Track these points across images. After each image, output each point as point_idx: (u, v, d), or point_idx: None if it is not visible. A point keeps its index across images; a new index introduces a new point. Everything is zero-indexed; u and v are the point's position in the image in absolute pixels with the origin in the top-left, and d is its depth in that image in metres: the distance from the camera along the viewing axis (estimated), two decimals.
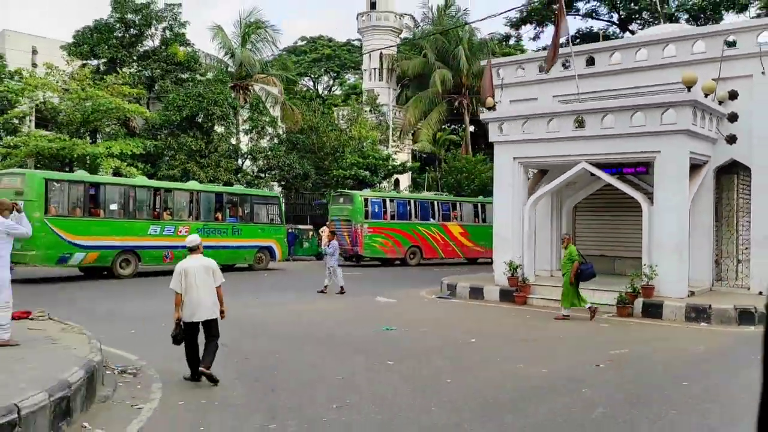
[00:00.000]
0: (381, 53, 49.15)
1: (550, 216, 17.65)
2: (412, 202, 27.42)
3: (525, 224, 15.84)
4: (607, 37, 30.71)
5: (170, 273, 8.40)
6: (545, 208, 17.45)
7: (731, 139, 15.26)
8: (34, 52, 36.91)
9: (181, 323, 7.94)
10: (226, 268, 22.49)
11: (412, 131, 45.77)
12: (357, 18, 50.73)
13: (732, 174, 16.15)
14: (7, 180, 17.13)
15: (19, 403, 5.37)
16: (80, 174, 19.16)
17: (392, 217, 26.30)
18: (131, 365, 8.55)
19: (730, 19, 31.51)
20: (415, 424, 6.47)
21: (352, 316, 13.57)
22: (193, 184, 21.93)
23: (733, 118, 15.22)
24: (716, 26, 17.66)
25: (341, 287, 16.79)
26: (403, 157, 44.63)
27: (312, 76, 64.63)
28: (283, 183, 34.98)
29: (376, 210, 25.92)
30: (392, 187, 40.19)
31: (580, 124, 14.87)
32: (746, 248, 16.20)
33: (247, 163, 35.48)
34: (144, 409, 6.80)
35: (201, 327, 8.06)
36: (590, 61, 17.21)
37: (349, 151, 38.21)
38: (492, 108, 16.50)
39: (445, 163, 43.13)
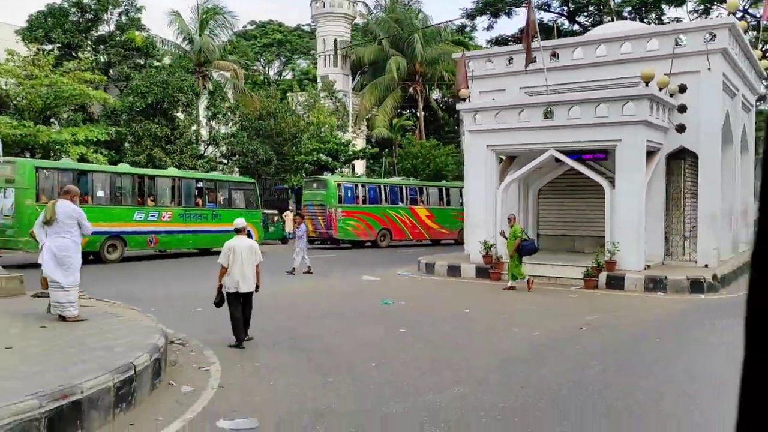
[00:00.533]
0: (335, 40, 49.87)
1: (518, 199, 19.10)
2: (382, 186, 28.63)
3: (498, 206, 17.22)
4: (559, 29, 32.46)
5: (154, 257, 9.38)
6: (513, 192, 18.87)
7: (681, 128, 17.01)
8: None
9: (223, 292, 9.06)
10: (204, 252, 23.31)
11: (368, 117, 46.78)
12: (310, 4, 51.19)
13: (680, 160, 17.94)
14: None
15: (134, 362, 6.32)
16: (66, 162, 19.48)
17: (364, 202, 27.47)
18: (176, 337, 9.45)
19: (670, 12, 33.67)
20: (448, 377, 7.68)
21: (349, 293, 14.68)
22: (174, 171, 22.49)
23: (682, 109, 16.96)
24: (668, 26, 19.37)
25: (308, 267, 17.81)
26: (359, 142, 45.62)
27: (263, 61, 64.63)
28: (245, 168, 35.50)
29: (349, 195, 27.03)
30: (350, 173, 41.21)
31: (549, 114, 16.29)
32: (693, 226, 18.10)
33: (210, 149, 35.85)
34: (211, 370, 7.78)
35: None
36: (554, 56, 18.65)
37: (307, 137, 39.00)
38: (466, 99, 17.77)
39: (401, 148, 44.41)
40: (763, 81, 23.57)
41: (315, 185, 27.85)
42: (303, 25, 67.87)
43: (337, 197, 26.45)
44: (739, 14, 30.69)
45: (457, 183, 34.52)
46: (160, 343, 7.20)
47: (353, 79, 49.30)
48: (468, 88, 17.97)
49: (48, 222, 7.79)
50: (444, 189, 31.04)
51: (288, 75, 64.79)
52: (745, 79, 19.70)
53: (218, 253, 9.35)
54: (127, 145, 32.41)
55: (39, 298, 9.98)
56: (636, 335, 10.35)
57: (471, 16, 34.43)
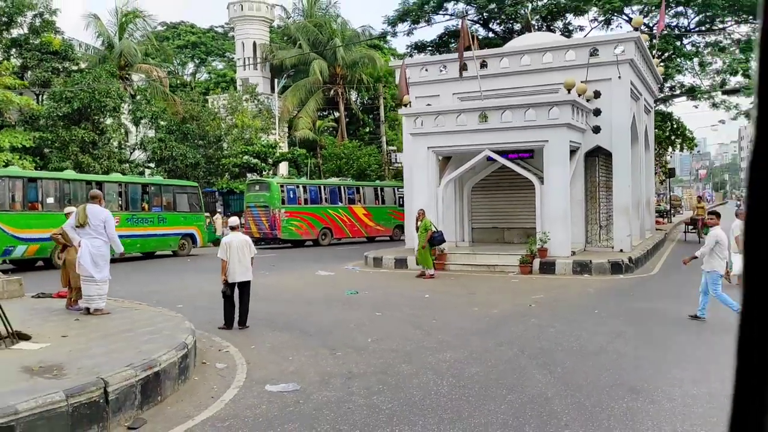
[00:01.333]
0: (254, 43, 50.31)
1: (454, 196, 20.78)
2: (322, 187, 29.74)
3: (439, 203, 18.84)
4: (474, 35, 34.69)
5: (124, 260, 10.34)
6: (450, 189, 20.51)
7: (596, 130, 19.21)
8: None
9: (227, 283, 10.16)
10: (149, 255, 23.63)
11: (289, 119, 47.55)
12: (228, 7, 51.35)
13: (595, 157, 20.19)
14: None
15: (185, 341, 7.34)
16: (15, 170, 19.44)
17: (305, 202, 28.47)
18: None
19: (574, 21, 36.51)
20: (437, 344, 9.09)
21: (312, 285, 15.82)
22: (120, 177, 22.71)
23: (597, 113, 19.16)
24: (584, 39, 21.65)
25: None
26: (282, 144, 46.33)
27: (176, 62, 63.80)
28: (173, 172, 35.59)
29: (291, 196, 27.96)
30: (275, 174, 41.91)
31: (484, 118, 18.04)
32: (607, 216, 20.41)
33: (136, 153, 35.68)
34: (230, 351, 8.83)
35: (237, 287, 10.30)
36: (484, 65, 20.45)
37: (232, 140, 39.49)
38: (408, 105, 19.27)
39: (324, 149, 45.52)
40: (659, 85, 26.49)
41: (258, 187, 28.58)
42: (216, 27, 67.52)
43: (280, 198, 27.33)
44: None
45: (390, 183, 36.13)
46: (192, 327, 8.20)
47: (275, 82, 49.86)
48: (408, 94, 19.46)
49: (81, 225, 8.57)
50: (379, 189, 32.53)
51: (203, 77, 64.29)
52: (647, 85, 22.30)
53: (163, 256, 10.30)
54: (47, 151, 31.82)
55: (40, 299, 10.60)
56: (576, 307, 12.16)
57: (392, 23, 35.97)
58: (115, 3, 38.28)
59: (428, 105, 20.57)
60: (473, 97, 19.85)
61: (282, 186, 28.10)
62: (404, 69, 19.92)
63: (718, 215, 10.75)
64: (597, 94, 19.10)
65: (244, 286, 10.37)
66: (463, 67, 19.44)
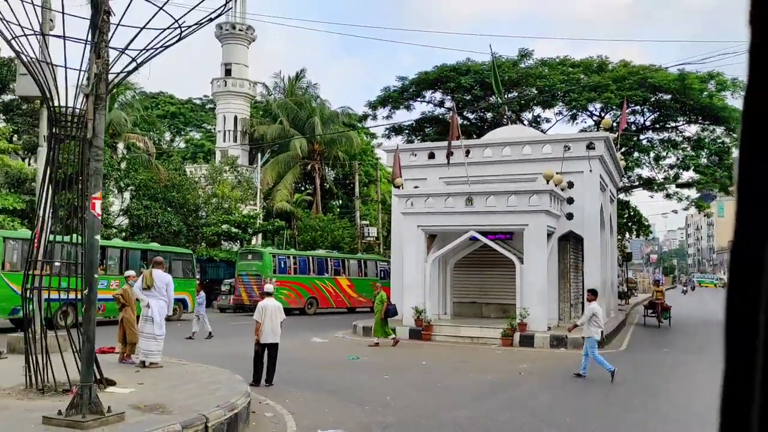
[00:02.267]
0: (235, 117, 52.26)
1: (438, 271, 22.32)
2: (310, 258, 31.09)
3: (427, 277, 20.34)
4: (447, 121, 37.33)
5: (103, 324, 11.35)
6: (434, 265, 22.06)
7: (569, 216, 21.20)
8: None
9: (259, 343, 11.33)
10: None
11: (267, 190, 49.05)
12: (211, 82, 53.42)
13: (566, 241, 22.11)
14: None
15: (247, 390, 8.52)
16: (26, 232, 20.24)
17: (294, 272, 29.64)
18: None
19: (540, 113, 39.43)
20: (449, 402, 10.39)
21: (312, 351, 16.94)
22: (121, 242, 23.62)
23: (570, 201, 21.20)
24: (559, 135, 23.94)
25: (209, 332, 19.47)
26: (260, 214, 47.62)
27: (155, 132, 65.22)
28: (157, 239, 36.39)
29: (282, 266, 29.15)
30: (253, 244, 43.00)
31: (470, 202, 19.85)
32: (576, 295, 22.18)
33: (120, 219, 36.47)
34: (269, 402, 9.95)
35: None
36: (467, 153, 22.46)
37: (212, 210, 40.71)
38: (400, 186, 21.04)
39: (300, 221, 46.96)
40: (622, 177, 29.02)
41: (250, 256, 29.71)
42: (194, 99, 69.50)
43: (271, 267, 28.46)
44: (596, 119, 37.13)
45: (373, 256, 37.62)
46: (242, 378, 9.38)
47: (255, 155, 51.57)
48: (401, 177, 21.25)
49: (147, 287, 9.76)
50: (362, 261, 34.03)
51: (180, 146, 65.67)
52: (612, 177, 24.64)
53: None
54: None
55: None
56: (561, 376, 13.61)
57: (374, 106, 38.36)
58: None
59: (416, 187, 22.36)
60: (458, 182, 21.72)
61: (274, 256, 29.33)
62: (398, 154, 21.77)
63: (594, 293, 14.19)
64: (570, 185, 21.18)
65: (273, 348, 11.53)
66: (450, 155, 21.37)
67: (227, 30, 52.21)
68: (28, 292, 8.21)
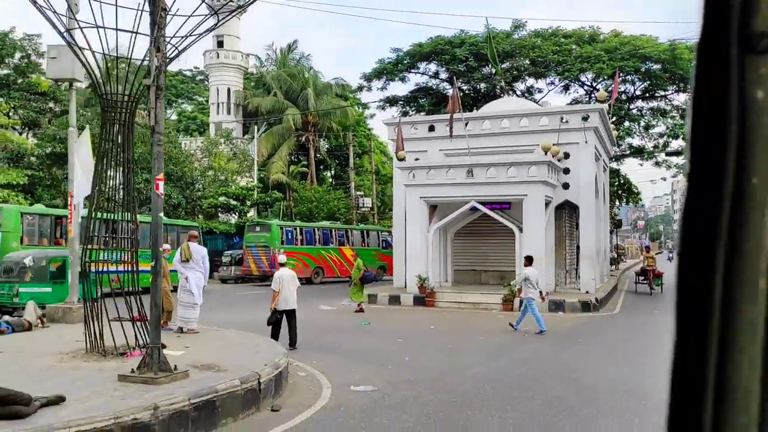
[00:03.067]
0: (228, 89, 52.42)
1: (439, 240, 23.15)
2: (315, 230, 32.05)
3: (429, 246, 21.16)
4: (443, 93, 37.86)
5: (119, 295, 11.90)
6: (435, 234, 22.89)
7: (566, 186, 22.02)
8: None
9: (276, 310, 12.10)
10: (147, 290, 24.99)
11: (263, 162, 49.52)
12: (204, 54, 53.39)
13: (562, 210, 22.97)
14: None
15: (284, 351, 9.32)
16: (42, 207, 20.82)
17: (301, 243, 30.65)
18: None
19: (532, 82, 40.04)
20: (466, 361, 11.27)
21: (324, 317, 17.80)
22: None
23: (566, 171, 21.99)
24: (555, 107, 24.64)
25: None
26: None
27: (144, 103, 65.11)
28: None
29: (289, 237, 30.08)
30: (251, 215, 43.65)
31: (470, 174, 20.59)
32: (571, 262, 23.13)
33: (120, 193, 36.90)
34: (299, 364, 10.77)
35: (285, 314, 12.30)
36: (467, 125, 23.12)
37: (209, 182, 41.23)
38: (403, 159, 21.72)
39: (296, 192, 47.58)
40: (614, 147, 29.83)
41: (258, 228, 30.53)
42: (185, 71, 69.25)
43: (279, 239, 29.29)
44: (588, 89, 37.83)
45: (375, 227, 38.59)
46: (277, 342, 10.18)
47: (249, 128, 51.86)
48: (404, 150, 21.91)
49: (186, 260, 10.48)
50: (365, 232, 35.09)
51: (172, 117, 65.67)
52: (605, 147, 25.43)
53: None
54: (38, 189, 32.89)
55: (117, 322, 12.28)
56: (562, 337, 14.55)
57: (369, 78, 38.80)
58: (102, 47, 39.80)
59: (417, 159, 23.02)
60: (458, 153, 22.43)
61: (281, 227, 30.23)
62: (400, 128, 22.39)
63: (530, 259, 16.15)
64: (566, 155, 21.96)
65: (292, 313, 12.34)
66: (451, 128, 22.03)
67: (218, 1, 52.10)
68: (87, 265, 8.87)
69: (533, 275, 15.69)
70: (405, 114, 41.57)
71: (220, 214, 43.10)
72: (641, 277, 26.25)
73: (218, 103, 52.66)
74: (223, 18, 8.81)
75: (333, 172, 58.67)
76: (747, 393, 0.57)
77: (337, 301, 22.40)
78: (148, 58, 7.46)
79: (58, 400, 6.01)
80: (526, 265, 16.02)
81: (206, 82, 63.63)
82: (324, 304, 21.12)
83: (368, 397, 8.62)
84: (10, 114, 36.30)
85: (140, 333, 8.66)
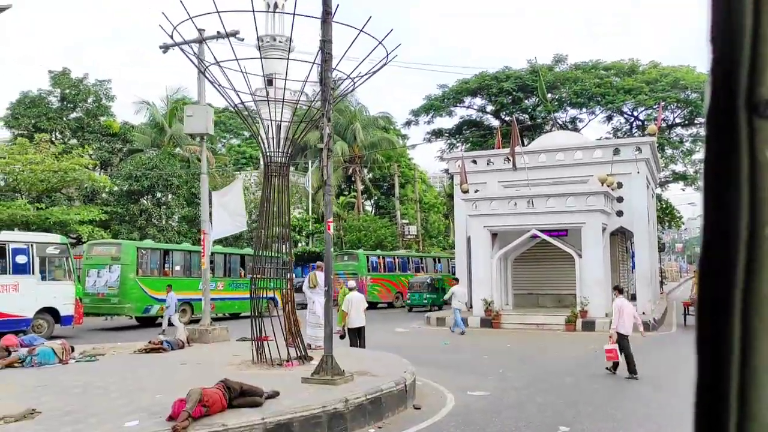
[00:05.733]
0: (279, 124, 54.94)
1: (499, 266, 24.73)
2: (396, 258, 34.77)
3: (494, 272, 22.78)
4: (487, 126, 39.76)
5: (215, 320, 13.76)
6: (496, 260, 24.50)
7: (619, 214, 23.52)
8: None
9: (346, 329, 13.93)
10: (233, 317, 27.02)
11: (313, 194, 51.76)
12: (254, 93, 56.02)
13: (616, 236, 24.45)
14: (103, 248, 21.07)
15: (411, 369, 11.02)
16: (151, 242, 23.16)
17: (384, 270, 33.74)
18: None
19: (574, 112, 41.70)
20: (551, 373, 12.82)
21: (404, 338, 19.47)
22: (222, 248, 26.47)
23: (620, 200, 23.52)
24: (609, 141, 26.30)
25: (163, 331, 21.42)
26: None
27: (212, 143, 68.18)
28: (219, 243, 39.15)
29: (374, 265, 33.38)
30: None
31: (531, 204, 22.25)
32: (626, 285, 24.49)
33: (185, 226, 39.29)
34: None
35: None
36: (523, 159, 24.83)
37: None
38: (466, 191, 23.51)
39: (344, 221, 49.63)
40: (659, 174, 31.26)
41: (346, 257, 33.16)
42: (230, 107, 72.25)
43: (366, 267, 31.82)
44: (627, 116, 39.36)
45: (444, 254, 40.97)
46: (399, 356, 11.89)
47: (299, 161, 54.21)
48: (467, 182, 23.71)
49: (313, 286, 12.34)
50: (436, 259, 37.51)
51: (221, 152, 68.59)
52: (653, 175, 26.91)
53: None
54: (114, 224, 35.36)
55: (245, 342, 14.15)
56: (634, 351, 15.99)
57: (417, 113, 40.92)
58: (165, 92, 42.67)
59: (476, 191, 24.78)
60: (514, 185, 24.13)
61: (368, 257, 33.02)
62: (463, 162, 24.22)
63: (457, 279, 22.36)
64: (619, 185, 23.50)
65: (361, 330, 14.25)
66: (507, 160, 23.79)
67: (267, 42, 54.89)
68: (254, 292, 10.73)
69: (459, 292, 21.37)
70: (451, 146, 43.55)
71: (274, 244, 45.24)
72: (691, 308, 21.65)
73: (268, 138, 55.10)
74: (380, 64, 10.54)
75: (374, 201, 60.69)
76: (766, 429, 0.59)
77: (408, 324, 24.07)
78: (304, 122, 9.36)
79: (276, 395, 7.80)
80: (451, 284, 21.66)
81: (252, 119, 66.56)
82: (398, 326, 22.81)
83: (485, 399, 10.26)
84: (89, 154, 39.16)
85: (297, 349, 10.44)
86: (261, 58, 10.49)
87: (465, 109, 42.05)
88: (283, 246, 11.08)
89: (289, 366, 10.38)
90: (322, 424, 7.41)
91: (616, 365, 12.71)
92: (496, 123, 43.07)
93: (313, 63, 10.08)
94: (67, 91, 38.46)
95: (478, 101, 40.94)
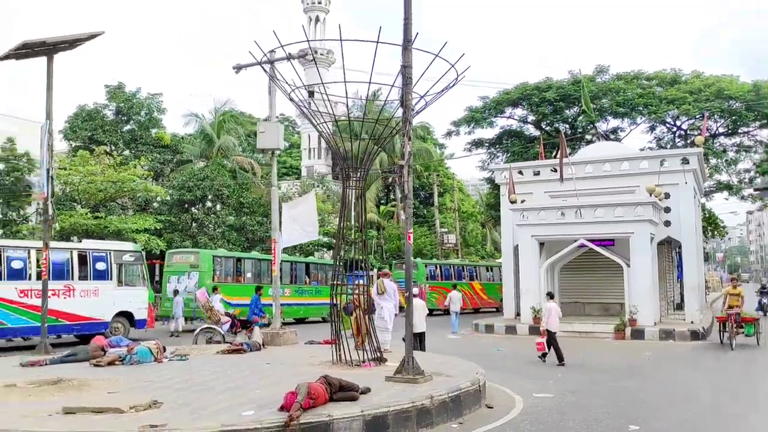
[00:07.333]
0: (319, 135, 56.15)
1: (546, 275, 25.18)
2: (451, 266, 36.19)
3: (542, 280, 23.25)
4: (528, 137, 40.23)
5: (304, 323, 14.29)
6: (544, 269, 24.93)
7: (667, 224, 23.81)
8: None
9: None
10: (300, 321, 27.99)
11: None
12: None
13: (663, 246, 24.71)
14: (182, 257, 22.63)
15: (481, 371, 11.65)
16: (224, 251, 24.49)
17: (440, 279, 35.04)
18: None
19: (616, 123, 41.86)
20: (608, 377, 13.31)
21: (457, 345, 20.08)
22: (288, 257, 27.77)
23: (667, 210, 23.81)
24: (656, 152, 26.61)
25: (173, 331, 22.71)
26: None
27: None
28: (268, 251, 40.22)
29: (432, 273, 34.85)
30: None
31: (579, 214, 22.69)
32: (673, 294, 24.74)
33: (234, 234, 40.49)
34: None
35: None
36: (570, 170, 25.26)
37: None
38: (514, 202, 24.06)
39: (384, 230, 50.41)
40: (704, 183, 31.36)
41: (403, 265, 34.18)
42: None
43: (425, 275, 33.11)
44: (669, 125, 39.42)
45: (497, 263, 41.72)
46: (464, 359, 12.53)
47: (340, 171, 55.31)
48: (515, 193, 24.26)
49: (381, 293, 13.07)
50: (490, 267, 38.96)
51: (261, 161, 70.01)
52: (700, 186, 27.10)
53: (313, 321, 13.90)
54: (167, 232, 36.68)
55: (312, 345, 14.94)
56: (682, 357, 16.40)
57: (457, 124, 41.54)
58: (213, 104, 44.05)
59: (523, 201, 25.29)
60: (560, 195, 24.58)
61: (426, 265, 34.42)
62: (511, 173, 24.79)
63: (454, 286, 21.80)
64: (667, 195, 23.79)
65: (422, 335, 14.91)
66: (554, 171, 24.27)
67: (321, 56, 56.16)
68: (335, 297, 11.49)
69: (456, 297, 24.55)
70: (492, 156, 44.06)
71: (315, 254, 46.26)
72: (723, 325, 19.21)
73: (309, 149, 56.40)
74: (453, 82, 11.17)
75: (417, 210, 61.39)
76: None
77: (460, 330, 24.64)
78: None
79: (368, 390, 8.51)
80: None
81: (291, 128, 68.13)
82: (450, 333, 23.41)
83: (551, 401, 10.82)
84: (142, 165, 40.69)
85: (372, 350, 11.16)
86: (345, 82, 11.05)
87: (506, 119, 42.49)
88: (359, 254, 11.74)
89: (367, 366, 11.09)
90: (412, 417, 8.09)
91: (544, 355, 15.58)
92: (536, 133, 43.44)
93: (392, 85, 10.78)
94: (122, 104, 40.04)
95: (519, 111, 41.35)
